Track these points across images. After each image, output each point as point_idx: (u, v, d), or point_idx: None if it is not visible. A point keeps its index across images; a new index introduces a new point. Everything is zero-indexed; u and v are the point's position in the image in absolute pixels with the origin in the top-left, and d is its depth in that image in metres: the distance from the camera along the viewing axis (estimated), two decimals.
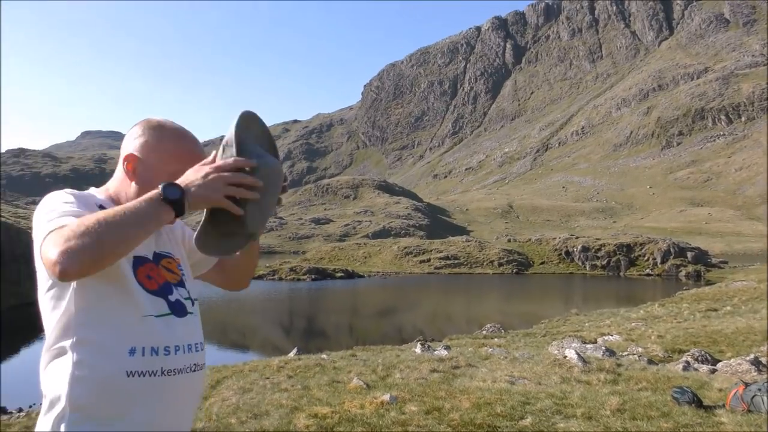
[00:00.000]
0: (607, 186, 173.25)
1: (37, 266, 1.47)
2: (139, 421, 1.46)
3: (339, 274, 54.54)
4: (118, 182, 1.68)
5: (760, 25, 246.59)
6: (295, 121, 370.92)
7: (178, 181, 1.45)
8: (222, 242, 1.54)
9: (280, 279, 51.35)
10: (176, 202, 1.40)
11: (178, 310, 1.60)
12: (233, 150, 1.47)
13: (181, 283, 1.68)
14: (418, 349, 11.81)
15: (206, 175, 1.43)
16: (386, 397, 6.13)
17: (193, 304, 1.70)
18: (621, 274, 58.79)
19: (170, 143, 1.65)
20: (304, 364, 9.22)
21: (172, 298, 1.60)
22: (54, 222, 1.38)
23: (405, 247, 68.44)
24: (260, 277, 52.42)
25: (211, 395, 6.70)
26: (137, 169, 1.64)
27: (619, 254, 61.29)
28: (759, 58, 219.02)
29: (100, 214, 1.33)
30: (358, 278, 54.89)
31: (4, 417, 12.02)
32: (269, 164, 1.50)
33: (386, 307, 37.92)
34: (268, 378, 8.23)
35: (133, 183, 1.64)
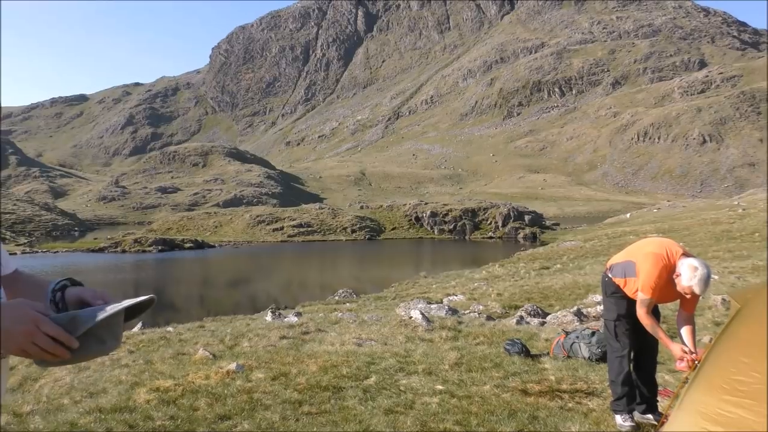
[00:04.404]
0: (454, 154, 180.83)
1: None
2: None
3: (188, 245, 52.69)
4: None
5: (589, 4, 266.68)
6: (137, 84, 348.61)
7: None
8: None
9: (124, 251, 48.70)
10: None
11: None
12: (78, 326, 1.28)
13: None
14: (269, 317, 11.73)
15: (26, 323, 1.23)
16: (232, 366, 6.04)
17: None
18: (466, 237, 62.02)
19: None
20: (148, 338, 8.84)
21: None
22: None
23: (257, 216, 67.45)
24: (101, 250, 49.43)
25: (41, 376, 6.24)
26: None
27: (465, 219, 64.51)
28: (587, 36, 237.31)
29: None
30: (209, 248, 53.41)
31: None
32: (90, 351, 1.32)
33: (239, 277, 37.31)
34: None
35: None
